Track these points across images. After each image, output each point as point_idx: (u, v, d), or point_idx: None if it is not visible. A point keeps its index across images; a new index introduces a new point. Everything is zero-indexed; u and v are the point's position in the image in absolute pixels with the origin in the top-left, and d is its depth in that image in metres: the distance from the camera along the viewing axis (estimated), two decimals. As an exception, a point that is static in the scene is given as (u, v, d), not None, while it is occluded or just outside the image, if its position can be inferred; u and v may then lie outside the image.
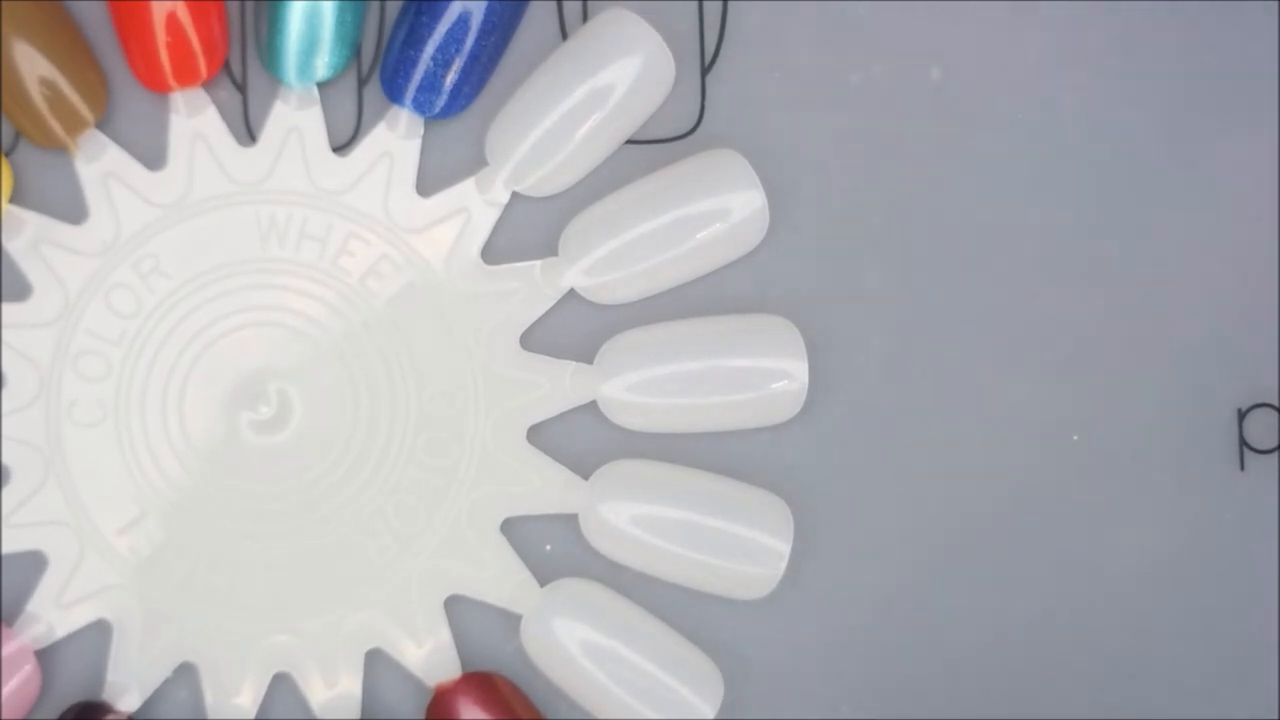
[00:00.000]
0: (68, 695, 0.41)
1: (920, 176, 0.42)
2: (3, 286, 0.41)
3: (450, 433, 0.41)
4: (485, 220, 0.41)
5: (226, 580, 0.41)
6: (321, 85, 0.42)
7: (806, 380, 0.41)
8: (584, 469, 0.41)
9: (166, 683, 0.41)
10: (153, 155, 0.41)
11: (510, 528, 0.41)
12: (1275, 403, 0.42)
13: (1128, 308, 0.42)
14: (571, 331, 0.42)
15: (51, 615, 0.41)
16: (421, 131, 0.41)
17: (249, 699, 0.41)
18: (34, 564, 0.41)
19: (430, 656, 0.41)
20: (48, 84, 0.41)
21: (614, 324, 0.42)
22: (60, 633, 0.41)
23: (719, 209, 0.41)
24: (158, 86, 0.41)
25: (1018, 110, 0.42)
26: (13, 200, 0.41)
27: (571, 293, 0.41)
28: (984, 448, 0.42)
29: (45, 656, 0.41)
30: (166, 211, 0.41)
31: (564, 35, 0.42)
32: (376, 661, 0.41)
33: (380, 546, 0.41)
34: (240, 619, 0.41)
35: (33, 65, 0.40)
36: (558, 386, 0.41)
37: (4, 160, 0.41)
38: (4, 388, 0.41)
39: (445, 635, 0.41)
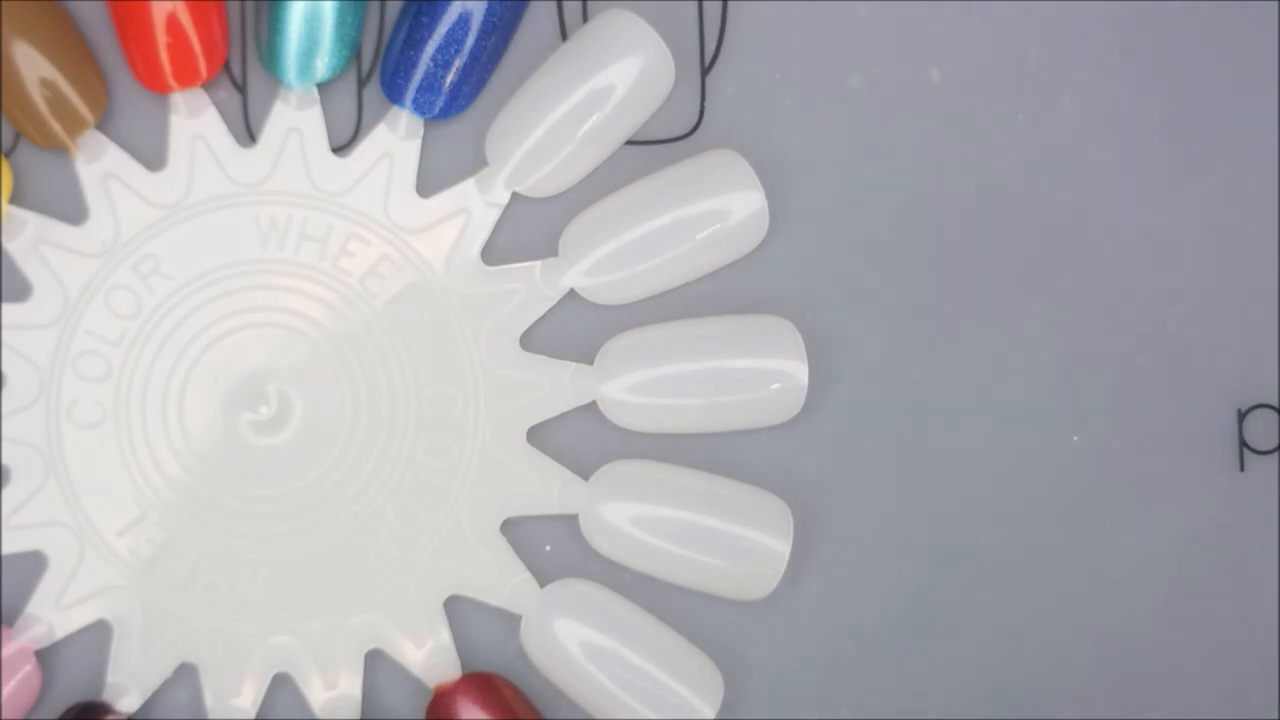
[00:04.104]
0: (68, 695, 0.41)
1: (920, 177, 0.42)
2: (3, 287, 0.41)
3: (450, 434, 0.41)
4: (485, 221, 0.41)
5: (226, 580, 0.41)
6: (321, 86, 0.42)
7: (806, 380, 0.41)
8: (584, 469, 0.41)
9: (166, 683, 0.41)
10: (153, 156, 0.41)
11: (510, 528, 0.41)
12: (1275, 403, 0.42)
13: (1128, 308, 0.42)
14: (571, 332, 0.42)
15: (52, 616, 0.41)
16: (421, 132, 0.41)
17: (249, 700, 0.41)
18: (34, 565, 0.41)
19: (430, 657, 0.41)
20: (48, 84, 0.40)
21: (614, 324, 0.42)
22: (60, 633, 0.41)
23: (719, 209, 0.41)
24: (158, 87, 0.41)
25: (1018, 110, 0.42)
26: (13, 200, 0.41)
27: (571, 293, 0.41)
28: (984, 448, 0.42)
29: (45, 657, 0.41)
30: (167, 212, 0.41)
31: (564, 35, 0.42)
32: (376, 662, 0.41)
33: (380, 547, 0.41)
34: (240, 619, 0.41)
35: (33, 65, 0.40)
36: (558, 387, 0.41)
37: (4, 160, 0.41)
38: (4, 388, 0.41)
39: (445, 636, 0.41)
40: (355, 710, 0.41)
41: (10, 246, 0.41)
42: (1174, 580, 0.42)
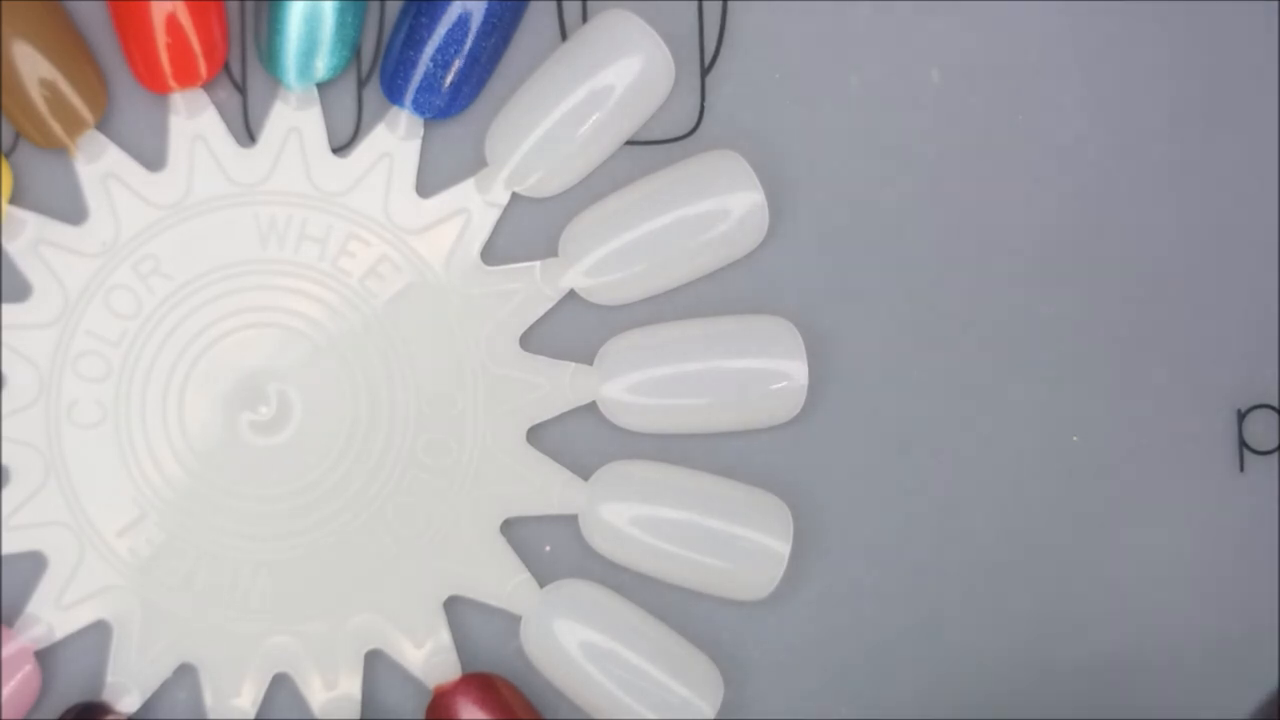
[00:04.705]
0: (68, 696, 0.41)
1: (920, 176, 0.42)
2: (3, 286, 0.41)
3: (450, 433, 0.41)
4: (485, 221, 0.41)
5: (226, 581, 0.41)
6: (321, 86, 0.42)
7: (806, 380, 0.41)
8: (584, 469, 0.41)
9: (166, 683, 0.41)
10: (152, 156, 0.41)
11: (510, 528, 0.41)
12: (1275, 403, 0.42)
13: (1128, 308, 0.42)
14: (571, 332, 0.42)
15: (51, 616, 0.41)
16: (421, 132, 0.41)
17: (249, 700, 0.41)
18: (34, 565, 0.41)
19: (430, 657, 0.41)
20: (48, 84, 0.41)
21: (614, 324, 0.42)
22: (60, 633, 0.41)
23: (719, 209, 0.41)
24: (157, 87, 0.41)
25: (1018, 110, 0.42)
26: (13, 200, 0.41)
27: (571, 293, 0.41)
28: (984, 448, 0.42)
29: (45, 657, 0.41)
30: (166, 212, 0.41)
31: (564, 35, 0.42)
32: (376, 662, 0.41)
33: (380, 547, 0.41)
34: (240, 619, 0.41)
35: (33, 65, 0.40)
36: (558, 387, 0.41)
37: (4, 160, 0.41)
38: (4, 388, 0.41)
39: (445, 636, 0.41)
40: (355, 710, 0.41)
41: (10, 246, 0.41)
42: (1174, 580, 0.42)
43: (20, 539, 0.41)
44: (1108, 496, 0.42)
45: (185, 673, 0.41)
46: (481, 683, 0.41)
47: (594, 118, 0.41)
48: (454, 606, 0.41)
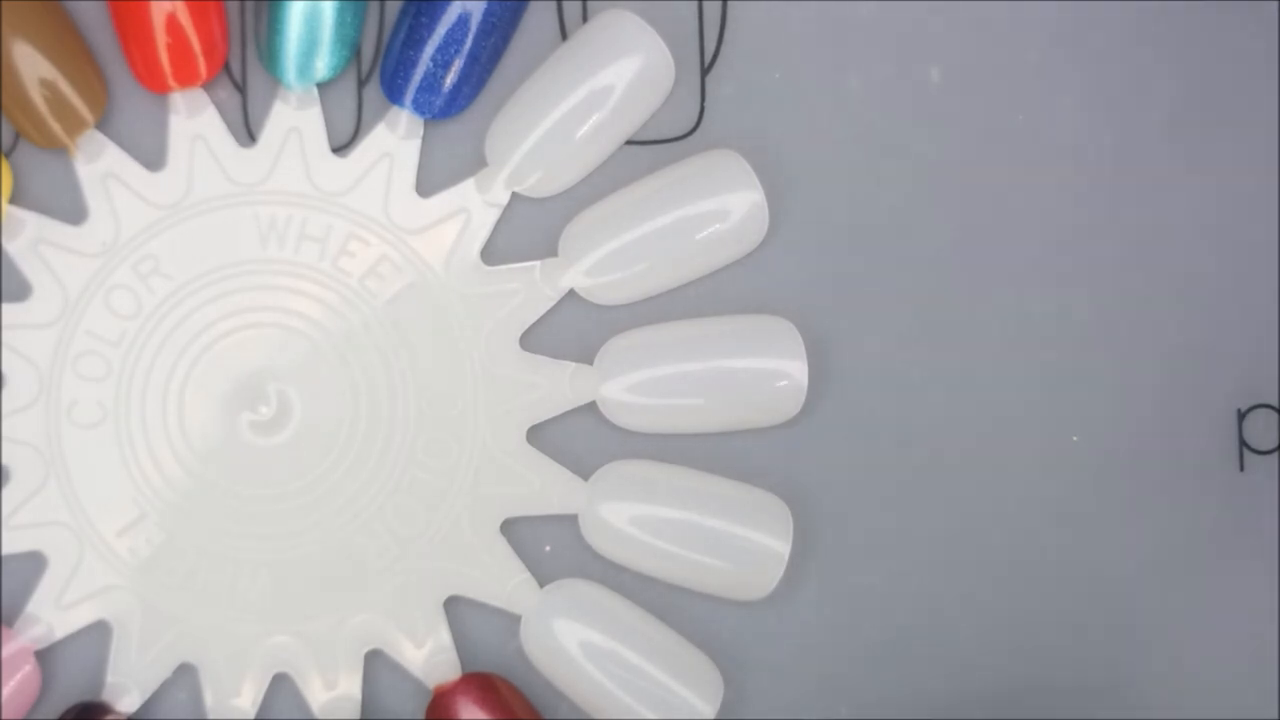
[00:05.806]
0: (68, 696, 0.41)
1: (920, 177, 0.42)
2: (3, 286, 0.41)
3: (450, 433, 0.41)
4: (485, 221, 0.41)
5: (226, 581, 0.41)
6: (321, 86, 0.42)
7: (806, 380, 0.41)
8: (584, 469, 0.41)
9: (166, 683, 0.41)
10: (152, 156, 0.41)
11: (510, 528, 0.41)
12: (1275, 403, 0.42)
13: (1127, 308, 0.42)
14: (571, 332, 0.42)
15: (51, 616, 0.41)
16: (421, 132, 0.41)
17: (249, 700, 0.41)
18: (34, 565, 0.41)
19: (430, 657, 0.41)
20: (48, 84, 0.41)
21: (614, 324, 0.42)
22: (60, 633, 0.41)
23: (719, 209, 0.41)
24: (157, 87, 0.41)
25: (1018, 110, 0.42)
26: (13, 200, 0.41)
27: (571, 293, 0.41)
28: (984, 448, 0.42)
29: (45, 657, 0.41)
30: (166, 212, 0.41)
31: (564, 35, 0.42)
32: (376, 662, 0.41)
33: (380, 547, 0.41)
34: (240, 619, 0.41)
35: (33, 65, 0.40)
36: (558, 387, 0.41)
37: (4, 160, 0.41)
38: (4, 388, 0.41)
39: (445, 636, 0.41)
40: (355, 710, 0.41)
41: (10, 246, 0.41)
42: (1174, 581, 0.42)
43: (20, 539, 0.41)
44: (1108, 496, 0.42)
45: (185, 673, 0.41)
46: (481, 683, 0.41)
47: (594, 118, 0.41)
48: (454, 606, 0.41)
